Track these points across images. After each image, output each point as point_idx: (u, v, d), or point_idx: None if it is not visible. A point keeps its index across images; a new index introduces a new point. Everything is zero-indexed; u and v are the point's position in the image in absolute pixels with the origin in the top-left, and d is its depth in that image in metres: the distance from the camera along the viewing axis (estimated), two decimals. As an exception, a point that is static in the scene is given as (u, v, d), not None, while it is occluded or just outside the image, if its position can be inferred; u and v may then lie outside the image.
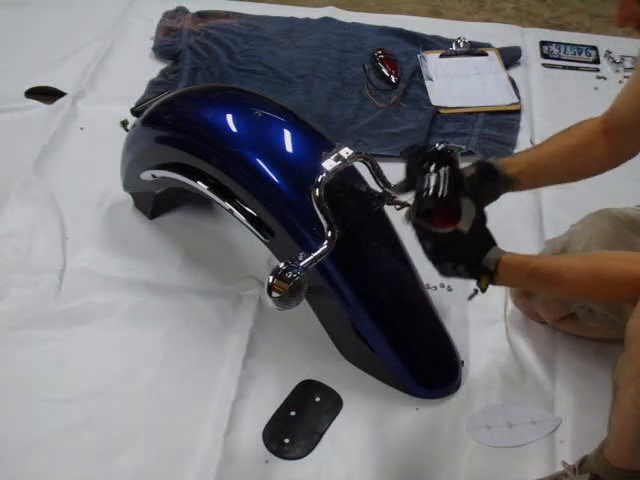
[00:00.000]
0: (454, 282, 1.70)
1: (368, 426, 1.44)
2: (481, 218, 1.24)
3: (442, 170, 1.19)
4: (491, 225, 1.83)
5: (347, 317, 1.47)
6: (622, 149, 1.30)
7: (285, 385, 1.50)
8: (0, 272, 1.68)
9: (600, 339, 1.52)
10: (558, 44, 2.45)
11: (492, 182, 1.27)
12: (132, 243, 1.78)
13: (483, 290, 1.22)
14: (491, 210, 1.89)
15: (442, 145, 1.40)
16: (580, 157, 1.31)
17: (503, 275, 1.20)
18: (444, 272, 1.25)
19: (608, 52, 2.41)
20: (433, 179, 1.18)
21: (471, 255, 1.21)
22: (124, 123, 1.96)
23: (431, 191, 1.16)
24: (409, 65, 2.32)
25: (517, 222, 1.85)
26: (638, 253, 1.16)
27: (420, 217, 1.19)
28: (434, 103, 2.20)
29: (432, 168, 1.19)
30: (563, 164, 1.31)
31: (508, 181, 1.29)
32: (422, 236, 1.24)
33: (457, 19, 2.63)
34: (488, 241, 1.23)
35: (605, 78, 2.33)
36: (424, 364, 1.51)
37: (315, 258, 1.29)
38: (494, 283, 1.22)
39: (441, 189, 1.16)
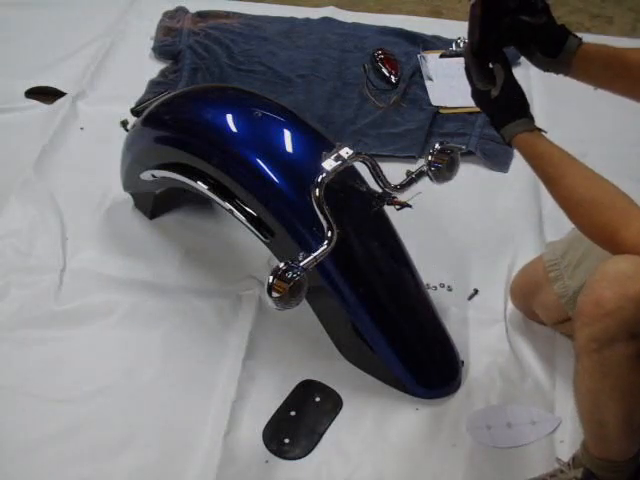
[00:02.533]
0: (454, 282, 1.70)
1: (368, 426, 1.44)
2: (514, 86, 1.26)
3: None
4: (491, 225, 1.85)
5: (347, 317, 1.47)
6: None
7: (285, 385, 1.50)
8: (0, 272, 1.68)
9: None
10: (558, 44, 2.44)
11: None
12: (132, 243, 1.78)
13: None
14: (491, 210, 1.91)
15: (441, 145, 1.41)
16: None
17: (517, 148, 1.22)
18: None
19: (608, 52, 2.40)
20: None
21: (495, 121, 1.24)
22: (124, 123, 1.96)
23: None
24: (409, 65, 2.32)
25: (517, 222, 1.85)
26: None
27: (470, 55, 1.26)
28: (434, 103, 2.20)
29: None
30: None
31: (567, 66, 1.31)
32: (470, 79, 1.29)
33: (457, 19, 2.63)
34: (513, 111, 1.22)
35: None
36: (424, 364, 1.51)
37: (315, 258, 1.29)
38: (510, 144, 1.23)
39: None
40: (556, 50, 1.30)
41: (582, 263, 1.38)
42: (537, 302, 1.52)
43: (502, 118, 1.23)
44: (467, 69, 1.28)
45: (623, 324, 1.04)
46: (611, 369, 1.08)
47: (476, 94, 1.28)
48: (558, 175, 1.16)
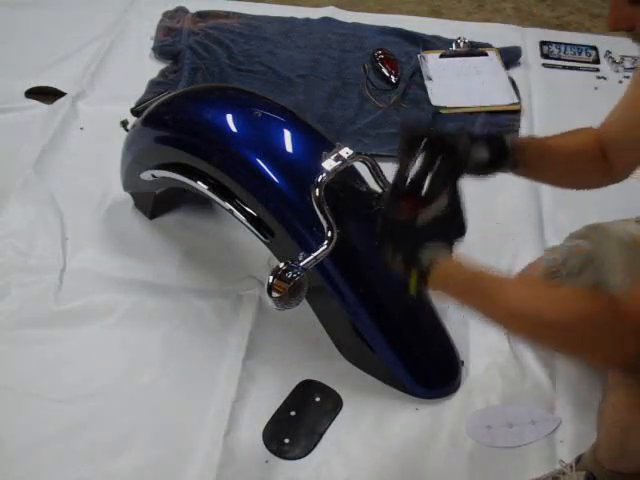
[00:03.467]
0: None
1: (368, 426, 1.44)
2: (451, 211, 1.12)
3: (437, 162, 1.07)
4: (491, 226, 1.85)
5: (347, 317, 1.47)
6: (616, 166, 1.21)
7: (285, 385, 1.50)
8: (0, 272, 1.68)
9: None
10: (558, 44, 2.45)
11: (500, 165, 1.18)
12: (132, 243, 1.78)
13: (412, 291, 1.06)
14: (491, 210, 1.91)
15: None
16: (579, 164, 1.23)
17: (437, 276, 1.05)
18: (382, 253, 1.10)
19: (608, 52, 2.41)
20: (419, 165, 1.07)
21: (412, 246, 1.07)
22: (124, 123, 1.96)
23: (409, 181, 1.08)
24: (409, 65, 2.32)
25: (517, 222, 1.85)
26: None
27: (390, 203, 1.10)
28: (434, 103, 2.20)
29: (422, 156, 1.09)
30: (566, 167, 1.22)
31: (513, 164, 1.19)
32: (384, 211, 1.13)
33: (457, 19, 2.63)
34: (438, 236, 1.09)
35: (605, 78, 2.33)
36: (424, 364, 1.51)
37: (315, 258, 1.29)
38: (425, 283, 1.07)
39: (426, 186, 1.06)
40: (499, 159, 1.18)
41: (583, 271, 1.35)
42: None
43: (421, 242, 1.08)
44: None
45: None
46: None
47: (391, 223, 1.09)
48: (499, 291, 1.01)
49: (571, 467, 1.27)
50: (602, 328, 0.88)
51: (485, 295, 1.01)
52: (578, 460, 1.27)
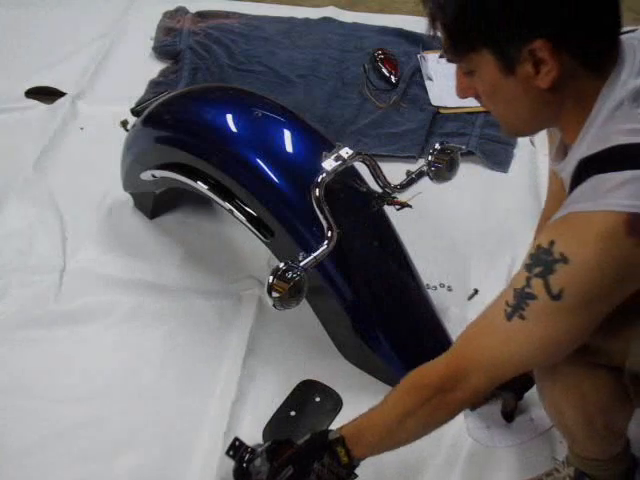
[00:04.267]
0: (454, 282, 1.70)
1: (368, 426, 1.44)
2: None
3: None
4: (491, 225, 1.85)
5: (347, 317, 1.47)
6: None
7: (285, 385, 1.50)
8: (0, 272, 1.68)
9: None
10: (558, 44, 2.45)
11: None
12: (132, 243, 1.78)
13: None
14: (491, 210, 1.91)
15: (441, 145, 1.40)
16: None
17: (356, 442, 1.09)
18: None
19: (608, 52, 2.40)
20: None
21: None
22: (124, 123, 1.96)
23: None
24: (409, 65, 2.32)
25: (517, 222, 1.85)
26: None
27: None
28: (434, 103, 2.20)
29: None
30: None
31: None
32: None
33: (457, 19, 2.63)
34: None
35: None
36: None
37: (315, 258, 1.29)
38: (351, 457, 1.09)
39: None
40: None
41: None
42: None
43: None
44: None
45: None
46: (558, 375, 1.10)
47: None
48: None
49: (563, 463, 1.28)
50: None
51: (376, 432, 1.09)
52: (567, 457, 1.29)
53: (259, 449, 1.20)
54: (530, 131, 1.06)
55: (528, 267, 0.89)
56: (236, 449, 1.23)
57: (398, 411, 1.05)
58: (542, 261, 0.87)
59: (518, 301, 0.90)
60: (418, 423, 1.05)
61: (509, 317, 0.92)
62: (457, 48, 0.93)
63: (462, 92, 0.99)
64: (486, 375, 0.98)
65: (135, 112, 1.71)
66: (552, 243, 0.87)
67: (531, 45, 0.86)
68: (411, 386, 1.06)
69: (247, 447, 1.22)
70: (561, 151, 1.01)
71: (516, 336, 0.92)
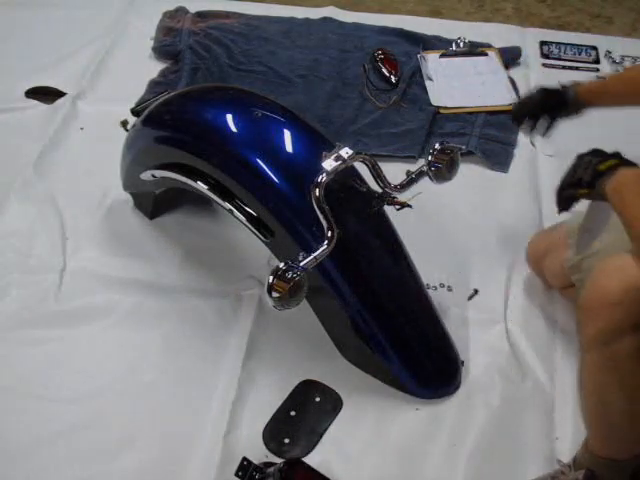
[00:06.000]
0: (454, 282, 1.70)
1: (368, 426, 1.44)
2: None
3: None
4: (491, 225, 1.85)
5: (347, 317, 1.47)
6: None
7: (285, 385, 1.50)
8: (0, 272, 1.68)
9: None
10: (558, 44, 2.45)
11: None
12: (132, 243, 1.78)
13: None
14: (491, 210, 1.91)
15: (441, 145, 1.41)
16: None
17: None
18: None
19: (608, 52, 2.41)
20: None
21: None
22: (124, 123, 1.96)
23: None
24: (409, 65, 2.32)
25: (517, 222, 1.85)
26: None
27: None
28: (434, 103, 2.20)
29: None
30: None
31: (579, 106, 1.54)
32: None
33: (457, 19, 2.63)
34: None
35: (605, 78, 2.32)
36: (424, 364, 1.51)
37: (315, 258, 1.29)
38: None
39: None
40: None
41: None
42: (547, 266, 1.57)
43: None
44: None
45: (629, 314, 1.04)
46: (618, 362, 1.08)
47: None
48: None
49: (569, 466, 1.27)
50: None
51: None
52: (575, 459, 1.27)
53: (270, 469, 1.20)
54: None
55: None
56: (245, 469, 1.22)
57: None
58: None
59: None
60: None
61: None
62: None
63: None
64: None
65: (135, 112, 1.71)
66: None
67: None
68: None
69: (256, 466, 1.22)
70: None
71: None
